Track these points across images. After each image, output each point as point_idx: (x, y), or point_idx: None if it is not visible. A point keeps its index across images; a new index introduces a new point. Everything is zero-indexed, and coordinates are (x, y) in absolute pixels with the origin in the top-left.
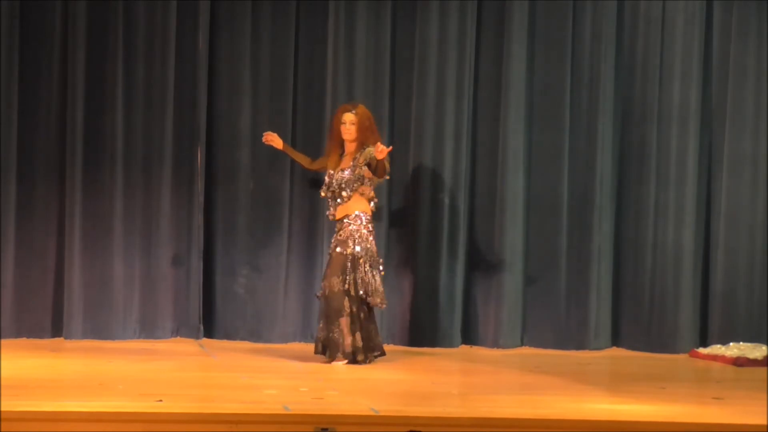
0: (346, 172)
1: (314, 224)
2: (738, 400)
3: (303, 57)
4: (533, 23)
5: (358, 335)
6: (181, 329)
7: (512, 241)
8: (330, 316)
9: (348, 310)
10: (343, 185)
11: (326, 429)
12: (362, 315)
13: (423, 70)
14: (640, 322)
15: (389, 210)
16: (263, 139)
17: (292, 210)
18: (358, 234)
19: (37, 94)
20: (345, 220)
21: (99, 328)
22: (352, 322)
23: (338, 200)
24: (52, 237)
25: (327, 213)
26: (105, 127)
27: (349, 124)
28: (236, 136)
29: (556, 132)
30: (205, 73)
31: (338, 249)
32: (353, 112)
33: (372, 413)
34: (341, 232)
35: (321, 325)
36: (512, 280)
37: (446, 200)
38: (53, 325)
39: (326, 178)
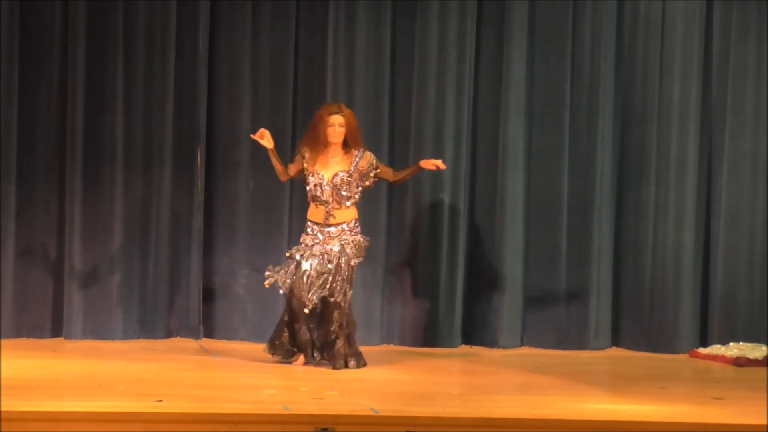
0: (344, 176)
1: None
2: (738, 400)
3: (303, 57)
4: (533, 23)
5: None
6: (181, 329)
7: (512, 241)
8: (344, 329)
9: (354, 323)
10: (344, 190)
11: (326, 429)
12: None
13: (423, 70)
14: (640, 322)
15: (389, 210)
16: (256, 134)
17: (292, 210)
18: (358, 244)
19: (37, 94)
20: (343, 227)
21: (99, 328)
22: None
23: (336, 204)
24: (52, 237)
25: (326, 214)
26: (105, 127)
27: (338, 126)
28: (236, 136)
29: (556, 132)
30: (205, 73)
31: (344, 259)
32: (341, 114)
33: (372, 413)
34: (339, 240)
35: (342, 339)
36: (512, 280)
37: (446, 200)
38: (53, 325)
39: (313, 179)
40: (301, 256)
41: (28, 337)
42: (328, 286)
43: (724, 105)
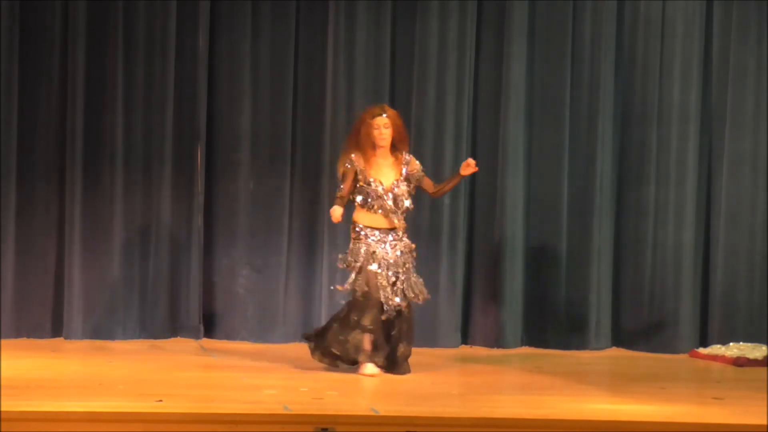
0: (402, 183)
1: (314, 224)
2: (738, 400)
3: (303, 57)
4: (533, 23)
5: None
6: (181, 329)
7: (512, 241)
8: (412, 334)
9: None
10: (403, 196)
11: (326, 429)
12: None
13: (423, 70)
14: (640, 321)
15: None
16: (334, 220)
17: (292, 210)
18: (412, 250)
19: (37, 94)
20: (401, 233)
21: (99, 328)
22: None
23: (397, 211)
24: (52, 237)
25: (388, 221)
26: (105, 127)
27: (383, 128)
28: (236, 136)
29: (556, 132)
30: (205, 73)
31: (408, 266)
32: (385, 115)
33: (372, 413)
34: (404, 246)
35: (405, 343)
36: (512, 280)
37: (446, 200)
38: (53, 325)
39: (372, 187)
40: (365, 261)
41: (28, 337)
42: (398, 293)
43: (724, 105)
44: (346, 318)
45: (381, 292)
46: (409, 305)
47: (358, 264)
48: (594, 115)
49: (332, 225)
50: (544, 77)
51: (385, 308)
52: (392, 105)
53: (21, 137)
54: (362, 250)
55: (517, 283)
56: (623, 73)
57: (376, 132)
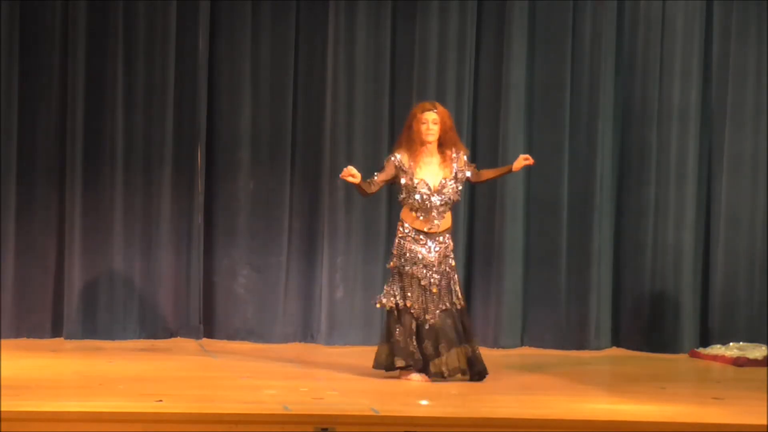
0: (451, 184)
1: (314, 224)
2: (738, 400)
3: (303, 57)
4: (533, 23)
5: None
6: (181, 329)
7: (512, 241)
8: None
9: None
10: (450, 196)
11: (326, 429)
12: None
13: (423, 70)
14: (640, 321)
15: (389, 211)
16: (342, 175)
17: (292, 210)
18: (452, 250)
19: (37, 94)
20: (447, 235)
21: (99, 328)
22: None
23: (442, 212)
24: (52, 237)
25: (432, 223)
26: (105, 127)
27: (431, 123)
28: (236, 136)
29: (556, 132)
30: (205, 74)
31: (448, 270)
32: (434, 111)
33: (372, 413)
34: (445, 249)
35: (477, 344)
36: (512, 280)
37: None
38: (53, 325)
39: (418, 187)
40: (414, 266)
41: (28, 337)
42: (450, 298)
43: (724, 105)
44: (392, 328)
45: (420, 299)
46: (464, 305)
47: (403, 267)
48: (594, 116)
49: (332, 225)
50: (544, 77)
51: (419, 316)
52: (392, 105)
53: (21, 137)
54: (406, 250)
55: (517, 282)
56: (623, 73)
57: (423, 127)
